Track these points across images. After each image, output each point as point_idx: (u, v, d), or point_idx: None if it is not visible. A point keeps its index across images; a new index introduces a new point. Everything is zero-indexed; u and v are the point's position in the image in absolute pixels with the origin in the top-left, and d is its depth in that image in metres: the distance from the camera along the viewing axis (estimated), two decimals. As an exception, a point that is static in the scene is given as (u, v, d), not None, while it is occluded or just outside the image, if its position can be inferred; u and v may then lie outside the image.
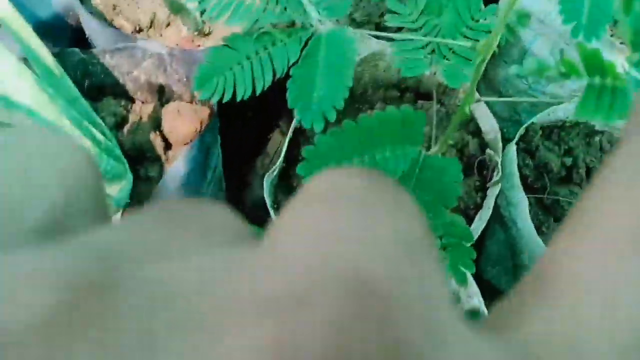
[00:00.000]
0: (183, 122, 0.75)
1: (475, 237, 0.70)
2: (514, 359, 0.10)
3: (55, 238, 0.11)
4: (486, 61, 0.50)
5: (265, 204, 0.74)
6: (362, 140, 0.42)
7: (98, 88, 0.83)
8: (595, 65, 0.33)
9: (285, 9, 0.50)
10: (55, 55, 0.70)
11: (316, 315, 0.09)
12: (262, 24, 0.49)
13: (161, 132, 0.76)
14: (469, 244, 0.51)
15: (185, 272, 0.10)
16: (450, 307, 0.10)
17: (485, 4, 0.61)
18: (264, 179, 0.73)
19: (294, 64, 0.49)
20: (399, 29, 0.90)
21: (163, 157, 0.75)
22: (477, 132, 0.84)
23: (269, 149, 1.17)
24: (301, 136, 0.86)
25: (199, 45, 0.93)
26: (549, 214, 0.79)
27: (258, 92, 0.49)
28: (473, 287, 0.64)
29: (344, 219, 0.10)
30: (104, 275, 0.09)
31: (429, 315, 0.10)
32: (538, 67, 0.32)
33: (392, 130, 0.42)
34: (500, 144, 0.76)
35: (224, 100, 0.49)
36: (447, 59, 0.58)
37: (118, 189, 0.58)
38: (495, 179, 0.73)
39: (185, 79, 0.79)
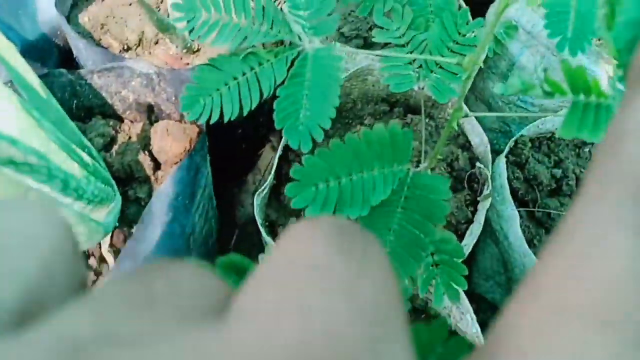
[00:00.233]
0: (172, 141, 0.75)
1: (467, 252, 0.70)
2: None
3: (32, 317, 0.12)
4: (472, 76, 0.50)
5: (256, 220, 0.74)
6: (350, 160, 0.42)
7: (87, 108, 0.82)
8: (579, 83, 0.33)
9: (271, 28, 0.50)
10: (42, 77, 0.69)
11: None
12: (249, 44, 0.49)
13: (150, 152, 0.76)
14: (460, 260, 0.51)
15: None
16: None
17: (473, 17, 0.61)
18: (254, 197, 0.73)
19: (281, 84, 0.48)
20: (387, 44, 0.91)
21: (152, 178, 0.74)
22: (466, 145, 0.84)
23: (260, 164, 1.17)
24: (292, 153, 0.86)
25: (187, 63, 0.93)
26: (540, 227, 0.79)
27: (245, 112, 0.49)
28: (465, 303, 0.64)
29: (303, 297, 0.11)
30: None
31: None
32: (522, 86, 0.32)
33: (379, 149, 0.42)
34: (490, 157, 0.76)
35: (212, 122, 0.48)
36: (434, 74, 0.58)
37: (106, 212, 0.57)
38: (485, 192, 0.73)
39: (173, 98, 0.79)
